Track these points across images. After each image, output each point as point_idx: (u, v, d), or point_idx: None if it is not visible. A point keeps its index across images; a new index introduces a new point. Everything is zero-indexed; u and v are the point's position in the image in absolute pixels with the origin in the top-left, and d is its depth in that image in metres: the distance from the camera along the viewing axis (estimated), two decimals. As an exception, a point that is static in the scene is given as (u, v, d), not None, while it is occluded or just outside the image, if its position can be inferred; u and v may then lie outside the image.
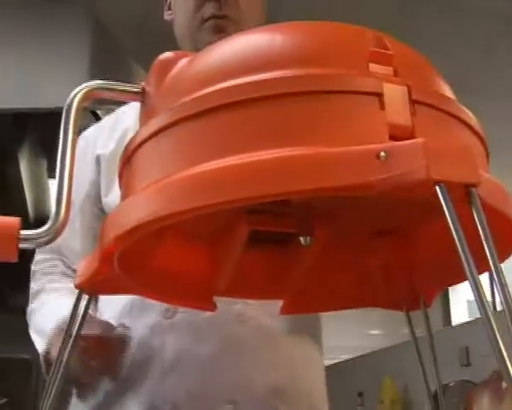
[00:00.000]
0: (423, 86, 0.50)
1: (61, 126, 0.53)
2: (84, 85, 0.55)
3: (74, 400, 1.07)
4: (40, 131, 2.98)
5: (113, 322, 0.99)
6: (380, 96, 0.46)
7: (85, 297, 0.60)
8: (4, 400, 2.92)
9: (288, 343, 1.03)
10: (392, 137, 0.44)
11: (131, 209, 0.48)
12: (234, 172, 0.44)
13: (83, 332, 0.91)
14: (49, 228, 0.50)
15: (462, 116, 0.50)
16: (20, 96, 2.84)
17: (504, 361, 0.38)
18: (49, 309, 1.05)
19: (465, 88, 2.98)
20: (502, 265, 0.43)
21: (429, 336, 0.68)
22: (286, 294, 0.70)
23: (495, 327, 0.39)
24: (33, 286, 1.14)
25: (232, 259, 0.62)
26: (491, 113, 3.85)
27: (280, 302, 0.71)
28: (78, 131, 0.55)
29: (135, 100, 0.58)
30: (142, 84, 0.57)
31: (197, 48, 1.09)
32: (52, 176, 3.09)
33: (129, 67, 3.27)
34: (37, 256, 1.16)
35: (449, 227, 0.41)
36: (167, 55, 0.57)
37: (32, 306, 1.12)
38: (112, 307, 1.04)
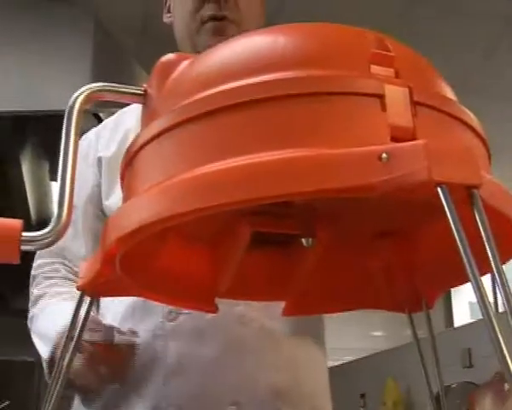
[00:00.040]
0: (425, 88, 0.50)
1: (63, 129, 0.53)
2: (85, 88, 0.55)
3: (76, 403, 1.07)
4: (42, 133, 2.99)
5: (117, 325, 0.99)
6: (381, 97, 0.46)
7: (87, 300, 0.60)
8: (7, 402, 2.92)
9: (290, 345, 1.03)
10: (394, 139, 0.45)
11: (133, 211, 0.48)
12: (235, 173, 0.44)
13: (92, 339, 0.92)
14: (52, 230, 0.50)
15: (463, 117, 0.50)
16: (21, 99, 2.84)
17: (506, 363, 0.38)
18: (53, 314, 1.04)
19: (465, 89, 2.99)
20: (503, 266, 0.43)
21: (431, 337, 0.68)
22: (288, 295, 0.70)
23: (497, 328, 0.39)
24: (34, 291, 1.12)
25: (234, 260, 0.62)
26: (492, 114, 3.85)
27: (282, 304, 0.71)
28: (81, 133, 0.55)
29: (137, 102, 0.58)
30: (144, 86, 0.57)
31: (197, 50, 1.09)
32: (54, 178, 3.10)
33: (131, 68, 3.27)
34: (37, 261, 1.14)
35: (451, 229, 0.41)
36: (169, 56, 0.57)
37: (34, 311, 1.09)
38: (113, 310, 1.04)
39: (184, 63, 0.55)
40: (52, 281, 1.11)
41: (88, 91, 0.55)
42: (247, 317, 0.99)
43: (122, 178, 0.56)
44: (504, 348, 0.38)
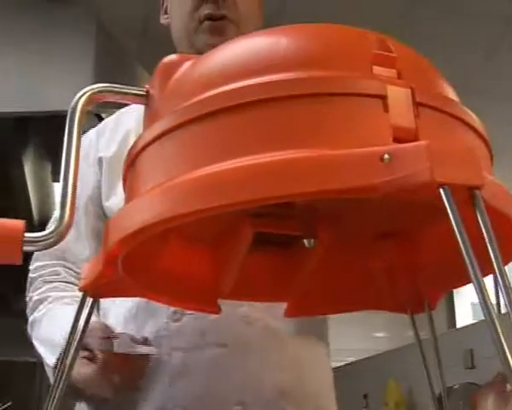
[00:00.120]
0: (427, 88, 0.50)
1: (66, 130, 0.53)
2: (88, 88, 0.55)
3: (79, 405, 1.06)
4: (44, 134, 2.99)
5: (119, 328, 0.98)
6: (383, 98, 0.46)
7: (89, 302, 0.60)
8: (9, 403, 2.92)
9: (295, 345, 1.03)
10: (396, 140, 0.44)
11: (135, 212, 0.48)
12: (237, 174, 0.44)
13: (107, 348, 0.91)
14: (54, 231, 0.50)
15: (465, 118, 0.50)
16: (22, 100, 2.84)
17: (509, 363, 0.38)
18: (56, 319, 1.02)
19: (467, 90, 2.99)
20: (506, 267, 0.43)
21: (434, 338, 0.68)
22: (290, 296, 0.70)
23: (499, 329, 0.39)
24: (33, 295, 1.09)
25: (236, 261, 0.62)
26: (494, 115, 3.84)
27: (285, 304, 0.71)
28: (82, 133, 0.55)
29: (139, 103, 0.58)
30: (146, 87, 0.57)
31: (195, 50, 1.08)
32: (57, 179, 3.10)
33: (133, 70, 3.27)
34: (35, 264, 1.11)
35: (453, 229, 0.41)
36: (171, 57, 0.57)
37: (35, 315, 1.07)
38: (115, 312, 1.03)
39: (186, 64, 0.55)
40: (52, 285, 1.09)
41: (90, 92, 0.55)
42: (252, 317, 0.99)
43: (124, 179, 0.56)
44: (506, 349, 0.38)
